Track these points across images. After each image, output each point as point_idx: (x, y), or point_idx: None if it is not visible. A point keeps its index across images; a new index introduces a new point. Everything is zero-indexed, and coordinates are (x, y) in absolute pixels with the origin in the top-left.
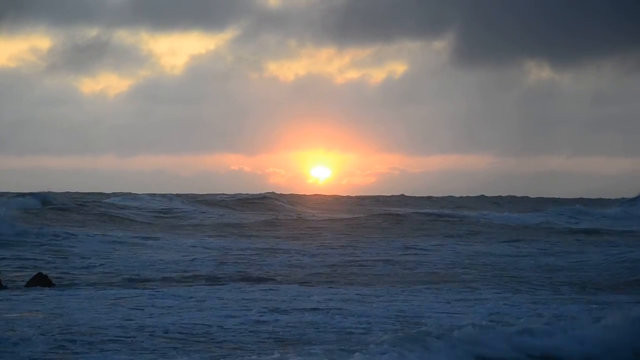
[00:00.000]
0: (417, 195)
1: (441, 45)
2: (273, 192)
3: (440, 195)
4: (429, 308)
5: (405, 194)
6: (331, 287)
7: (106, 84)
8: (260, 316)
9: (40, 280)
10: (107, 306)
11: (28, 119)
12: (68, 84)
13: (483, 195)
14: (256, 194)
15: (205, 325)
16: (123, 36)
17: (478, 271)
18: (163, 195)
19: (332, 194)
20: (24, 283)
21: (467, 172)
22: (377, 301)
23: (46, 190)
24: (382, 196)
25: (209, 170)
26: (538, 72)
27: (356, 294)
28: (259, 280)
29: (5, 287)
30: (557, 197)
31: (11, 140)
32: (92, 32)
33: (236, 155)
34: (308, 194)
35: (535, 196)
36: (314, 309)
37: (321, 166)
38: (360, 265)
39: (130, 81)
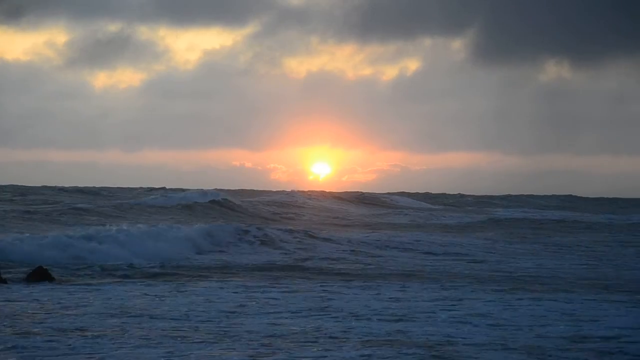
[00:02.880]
0: (416, 191)
1: (460, 43)
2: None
3: (442, 192)
4: None
5: (405, 191)
6: None
7: (118, 79)
8: None
9: (41, 275)
10: None
11: (37, 113)
12: (81, 79)
13: (510, 194)
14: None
15: None
16: (141, 31)
17: None
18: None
19: (330, 190)
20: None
21: (474, 170)
22: None
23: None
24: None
25: (211, 166)
26: (558, 71)
27: None
28: None
29: (6, 282)
30: (584, 196)
31: (18, 133)
32: (110, 27)
33: (242, 151)
34: (312, 189)
35: (560, 194)
36: None
37: (323, 163)
38: None
39: (142, 76)
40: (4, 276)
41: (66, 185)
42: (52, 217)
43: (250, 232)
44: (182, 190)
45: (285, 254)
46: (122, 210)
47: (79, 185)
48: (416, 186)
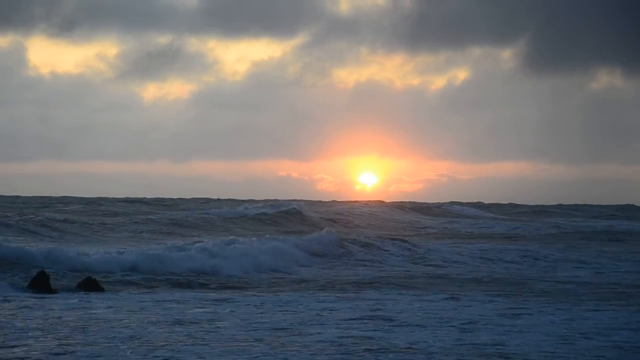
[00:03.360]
0: (467, 201)
1: (510, 52)
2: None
3: (490, 202)
4: None
5: (455, 200)
6: None
7: (167, 91)
8: None
9: (90, 285)
10: None
11: (87, 125)
12: (131, 91)
13: (561, 203)
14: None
15: None
16: (191, 43)
17: None
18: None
19: (378, 199)
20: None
21: (522, 179)
22: None
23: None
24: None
25: (257, 176)
26: (609, 80)
27: None
28: None
29: (56, 291)
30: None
31: (68, 146)
32: (161, 40)
33: (289, 162)
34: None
35: (611, 204)
36: None
37: (371, 173)
38: None
39: (191, 87)
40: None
41: (117, 196)
42: (128, 228)
43: (343, 243)
44: (233, 200)
45: (378, 265)
46: (208, 222)
47: (130, 196)
48: (464, 196)
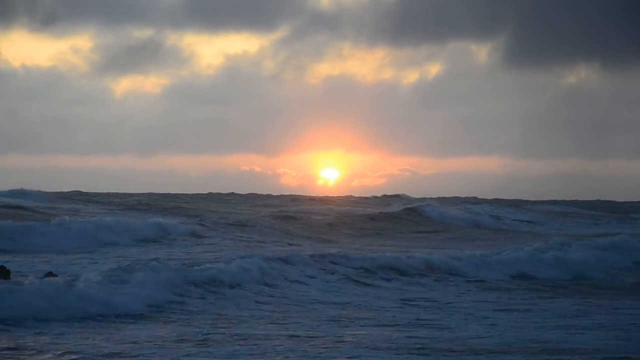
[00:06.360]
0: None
1: (488, 46)
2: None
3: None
4: None
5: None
6: None
7: (140, 85)
8: None
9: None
10: None
11: (55, 119)
12: (103, 85)
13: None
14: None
15: None
16: (170, 38)
17: None
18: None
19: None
20: None
21: (483, 174)
22: None
23: None
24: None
25: (220, 170)
26: (587, 74)
27: None
28: None
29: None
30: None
31: (33, 140)
32: (137, 34)
33: (256, 157)
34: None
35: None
36: None
37: (335, 168)
38: None
39: (164, 82)
40: None
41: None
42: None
43: None
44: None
45: None
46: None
47: (92, 191)
48: (423, 190)
